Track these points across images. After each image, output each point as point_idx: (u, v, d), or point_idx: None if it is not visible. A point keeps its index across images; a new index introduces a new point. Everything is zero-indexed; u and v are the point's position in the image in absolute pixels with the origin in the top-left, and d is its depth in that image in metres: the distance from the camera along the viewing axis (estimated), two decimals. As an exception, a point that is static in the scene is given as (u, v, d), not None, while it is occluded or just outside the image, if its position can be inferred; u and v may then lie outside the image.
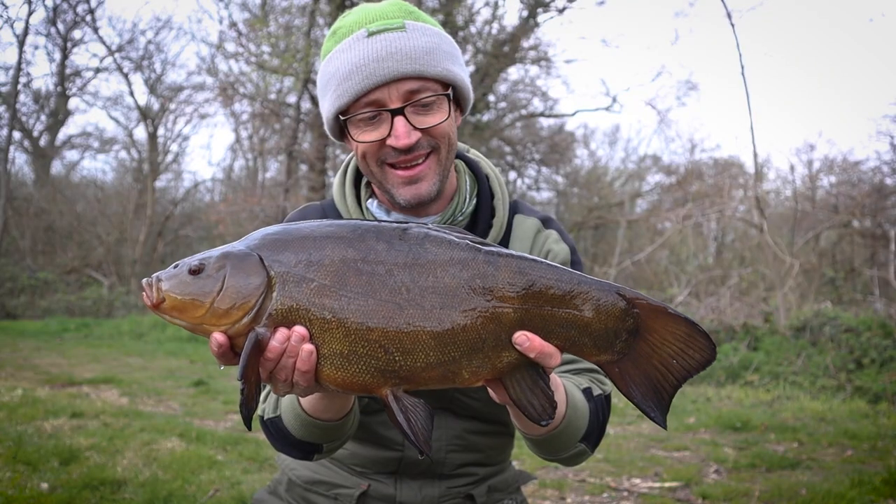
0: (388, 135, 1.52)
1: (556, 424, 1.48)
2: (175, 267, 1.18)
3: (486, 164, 1.79)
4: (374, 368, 1.14)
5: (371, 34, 1.53)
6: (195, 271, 1.15)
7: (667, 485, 4.90)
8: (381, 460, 1.74)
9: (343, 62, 1.54)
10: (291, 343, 1.13)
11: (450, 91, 1.56)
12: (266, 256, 1.16)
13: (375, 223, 1.21)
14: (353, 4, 15.13)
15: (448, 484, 1.75)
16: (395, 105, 1.51)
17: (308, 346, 1.13)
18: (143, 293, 1.17)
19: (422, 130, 1.53)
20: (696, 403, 7.86)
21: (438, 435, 1.71)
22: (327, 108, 1.59)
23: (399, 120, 1.51)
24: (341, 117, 1.57)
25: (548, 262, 1.19)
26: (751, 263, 15.91)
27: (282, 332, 1.14)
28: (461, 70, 1.61)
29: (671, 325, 1.19)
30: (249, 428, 1.17)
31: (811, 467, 5.29)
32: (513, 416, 1.50)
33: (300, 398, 1.49)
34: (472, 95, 1.67)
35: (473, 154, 1.82)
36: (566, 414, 1.48)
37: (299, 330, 1.13)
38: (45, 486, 4.40)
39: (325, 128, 1.66)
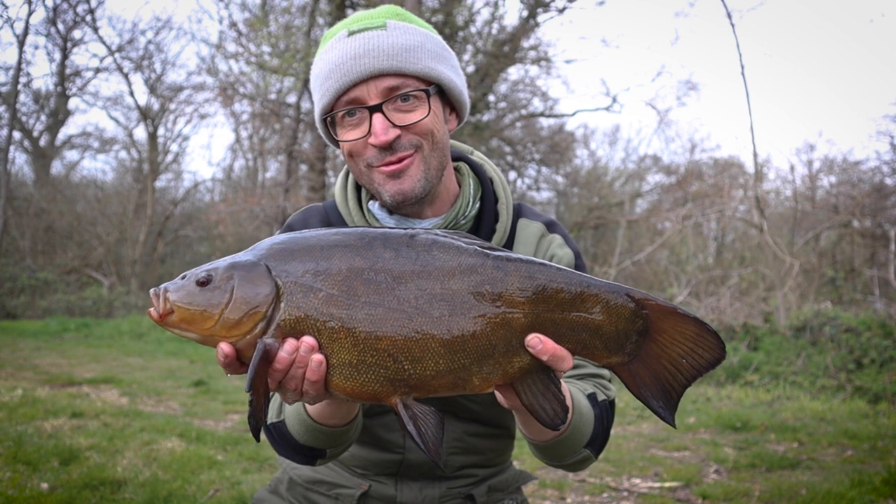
0: (368, 133, 1.50)
1: (563, 430, 1.47)
2: (182, 278, 1.17)
3: (491, 167, 1.77)
4: (383, 378, 1.13)
5: (351, 34, 1.52)
6: (203, 283, 1.14)
7: (667, 485, 4.90)
8: (381, 462, 1.74)
9: (325, 62, 1.54)
10: (301, 353, 1.13)
11: (430, 87, 1.53)
12: (273, 266, 1.15)
13: (383, 230, 1.20)
14: (352, 4, 15.13)
15: (448, 485, 1.75)
16: (373, 102, 1.50)
17: (318, 357, 1.12)
18: (151, 308, 1.16)
19: (402, 128, 1.50)
20: (696, 403, 7.86)
21: None
22: (316, 111, 1.59)
23: (377, 117, 1.49)
24: (327, 117, 1.56)
25: (557, 265, 1.19)
26: (751, 263, 15.90)
27: (290, 343, 1.13)
28: (450, 71, 1.58)
29: (680, 325, 1.19)
30: (258, 440, 1.17)
31: (811, 467, 5.29)
32: (519, 423, 1.49)
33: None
34: (466, 99, 1.64)
35: (477, 157, 1.80)
36: (572, 419, 1.47)
37: (308, 340, 1.12)
38: (45, 486, 4.40)
39: (320, 132, 1.65)
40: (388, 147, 1.50)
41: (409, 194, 1.54)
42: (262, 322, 1.13)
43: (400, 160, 1.51)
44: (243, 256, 1.18)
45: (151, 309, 1.16)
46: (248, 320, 1.13)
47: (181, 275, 1.18)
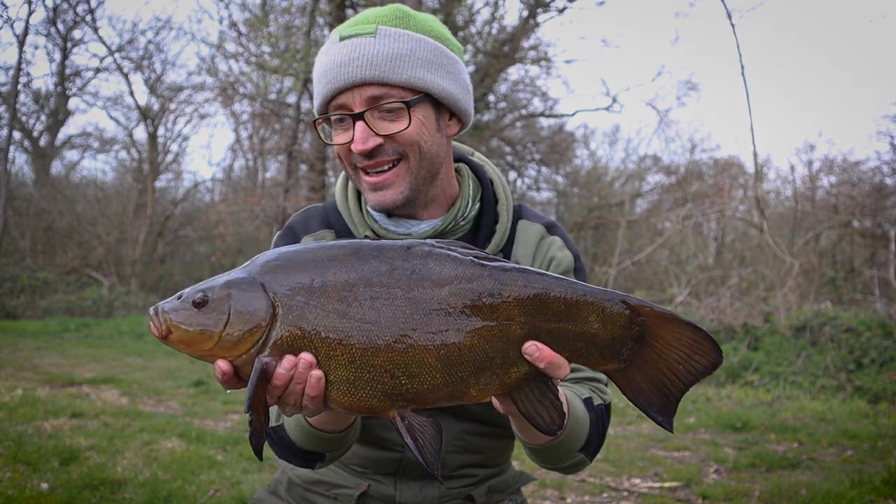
0: (352, 139, 1.53)
1: (559, 435, 1.46)
2: (179, 298, 1.17)
3: (491, 169, 1.77)
4: (380, 393, 1.14)
5: (342, 38, 1.54)
6: (199, 304, 1.14)
7: (667, 485, 4.90)
8: (380, 461, 1.74)
9: (318, 65, 1.57)
10: (299, 370, 1.13)
11: (416, 98, 1.53)
12: (268, 283, 1.15)
13: (378, 243, 1.20)
14: (352, 4, 15.13)
15: (448, 484, 1.75)
16: (358, 109, 1.52)
17: (317, 373, 1.13)
18: (151, 324, 1.16)
19: (385, 136, 1.52)
20: (696, 403, 7.86)
21: None
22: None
23: (359, 125, 1.51)
24: (319, 119, 1.60)
25: (553, 274, 1.19)
26: (751, 263, 15.89)
27: (288, 360, 1.13)
28: (443, 77, 1.57)
29: (677, 330, 1.19)
30: (261, 458, 1.17)
31: (811, 467, 5.29)
32: (514, 426, 1.49)
33: None
34: (465, 105, 1.63)
35: (478, 158, 1.81)
36: (567, 424, 1.47)
37: (307, 357, 1.13)
38: (45, 486, 4.40)
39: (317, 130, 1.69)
40: (368, 154, 1.53)
41: (391, 206, 1.56)
42: (260, 340, 1.13)
43: (380, 165, 1.54)
44: (238, 274, 1.18)
45: (153, 327, 1.16)
46: (248, 339, 1.13)
47: (177, 294, 1.18)
